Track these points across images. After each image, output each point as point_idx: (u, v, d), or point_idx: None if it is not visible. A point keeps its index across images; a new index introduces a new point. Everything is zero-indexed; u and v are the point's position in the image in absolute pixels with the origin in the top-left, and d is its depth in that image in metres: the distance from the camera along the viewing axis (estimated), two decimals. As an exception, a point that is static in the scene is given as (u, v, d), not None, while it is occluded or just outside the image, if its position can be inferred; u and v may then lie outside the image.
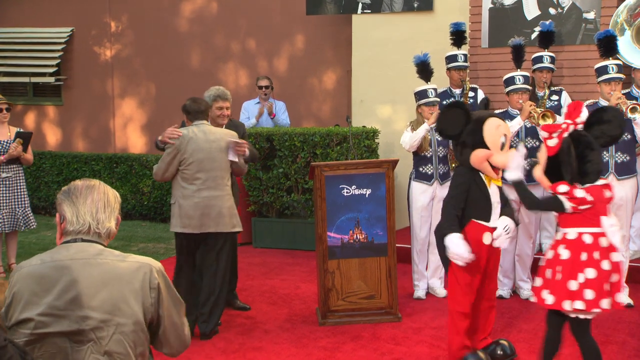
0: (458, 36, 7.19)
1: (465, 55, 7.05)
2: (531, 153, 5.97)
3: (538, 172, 4.16)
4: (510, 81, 6.07)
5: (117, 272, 2.48)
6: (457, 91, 7.02)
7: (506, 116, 6.04)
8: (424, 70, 6.39)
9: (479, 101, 7.07)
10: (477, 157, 4.37)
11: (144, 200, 9.83)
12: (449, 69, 7.04)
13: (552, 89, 6.88)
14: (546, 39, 6.92)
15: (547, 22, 7.03)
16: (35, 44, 11.31)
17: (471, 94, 7.08)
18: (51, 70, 11.17)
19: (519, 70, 6.46)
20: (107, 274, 2.46)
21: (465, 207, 4.42)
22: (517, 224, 4.58)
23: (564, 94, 6.85)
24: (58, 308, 2.41)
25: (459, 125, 4.44)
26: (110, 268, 2.47)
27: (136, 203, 9.88)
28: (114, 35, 11.04)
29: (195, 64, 10.55)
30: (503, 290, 6.18)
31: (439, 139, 6.07)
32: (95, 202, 2.53)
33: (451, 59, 7.03)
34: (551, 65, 6.78)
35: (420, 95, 6.06)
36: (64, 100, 11.51)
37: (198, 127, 5.32)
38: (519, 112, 5.99)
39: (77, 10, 11.19)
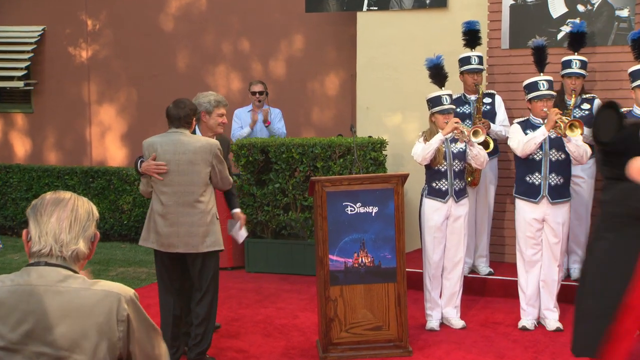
0: (471, 36, 7.25)
1: (479, 57, 7.11)
2: (556, 166, 6.01)
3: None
4: (533, 87, 6.11)
5: (79, 302, 2.44)
6: (472, 97, 7.08)
7: (528, 125, 6.09)
8: (438, 74, 6.44)
9: (496, 108, 7.12)
10: (636, 166, 4.05)
11: (124, 219, 9.86)
12: (462, 73, 7.10)
13: (584, 96, 6.91)
14: (576, 41, 6.96)
15: (578, 22, 7.07)
16: (2, 44, 11.37)
17: (487, 99, 7.12)
18: (20, 73, 11.22)
19: (541, 74, 6.50)
20: (68, 305, 2.43)
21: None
22: None
23: (597, 103, 6.87)
24: (11, 342, 2.40)
25: (612, 129, 4.21)
26: (72, 297, 2.44)
27: (115, 222, 9.91)
28: (90, 35, 11.12)
29: (181, 66, 10.61)
30: (527, 321, 6.20)
31: (455, 151, 6.11)
32: (60, 221, 2.49)
33: (464, 61, 7.09)
34: (581, 71, 6.81)
35: (434, 102, 6.10)
36: (34, 107, 11.56)
37: (169, 135, 5.37)
38: (542, 122, 6.03)
39: (49, 7, 11.26)
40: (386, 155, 7.92)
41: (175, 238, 5.30)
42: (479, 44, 7.34)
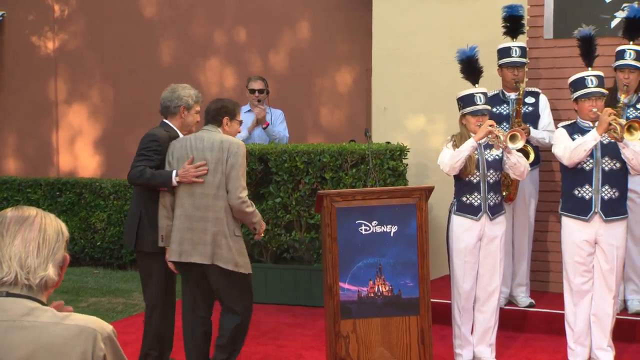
0: (513, 23, 7.24)
1: (522, 48, 7.09)
2: (610, 177, 5.96)
3: None
4: (580, 84, 6.07)
5: (48, 339, 2.43)
6: (513, 95, 7.06)
7: (575, 130, 6.05)
8: (471, 68, 6.42)
9: (540, 110, 7.09)
10: None
11: (97, 239, 9.86)
12: (500, 67, 7.08)
13: (640, 93, 6.90)
14: (633, 28, 6.95)
15: (636, 6, 7.06)
16: (-44, 33, 11.44)
17: (530, 99, 7.10)
18: (-24, 67, 11.28)
19: (589, 69, 6.48)
20: (34, 342, 2.42)
21: None
22: None
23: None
24: None
25: None
26: (39, 333, 2.43)
27: (86, 243, 9.90)
28: (58, 22, 11.15)
29: (166, 59, 10.63)
30: (575, 362, 6.16)
31: (489, 159, 6.08)
32: (27, 243, 2.48)
33: (503, 53, 7.08)
34: (635, 63, 6.80)
35: (465, 101, 6.09)
36: (-8, 108, 11.60)
37: (196, 133, 5.68)
38: (592, 125, 5.99)
39: (11, -10, 11.32)
40: (407, 165, 7.91)
41: (187, 244, 5.51)
42: (522, 33, 7.33)
